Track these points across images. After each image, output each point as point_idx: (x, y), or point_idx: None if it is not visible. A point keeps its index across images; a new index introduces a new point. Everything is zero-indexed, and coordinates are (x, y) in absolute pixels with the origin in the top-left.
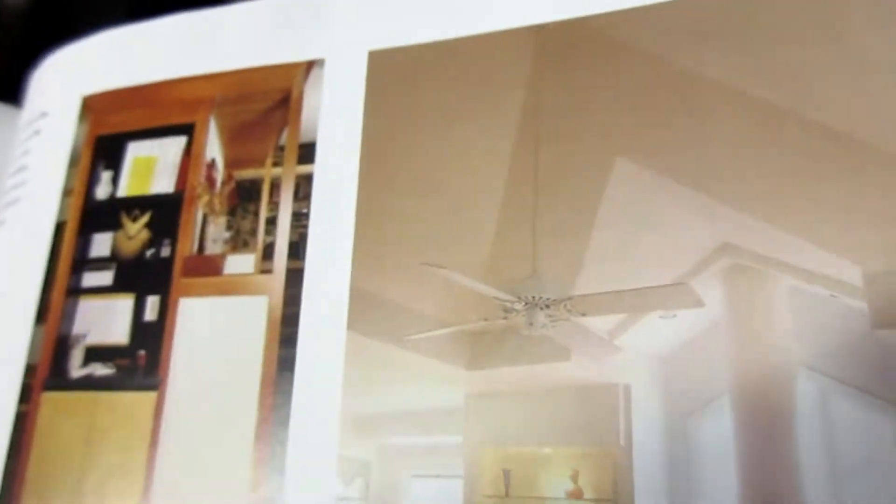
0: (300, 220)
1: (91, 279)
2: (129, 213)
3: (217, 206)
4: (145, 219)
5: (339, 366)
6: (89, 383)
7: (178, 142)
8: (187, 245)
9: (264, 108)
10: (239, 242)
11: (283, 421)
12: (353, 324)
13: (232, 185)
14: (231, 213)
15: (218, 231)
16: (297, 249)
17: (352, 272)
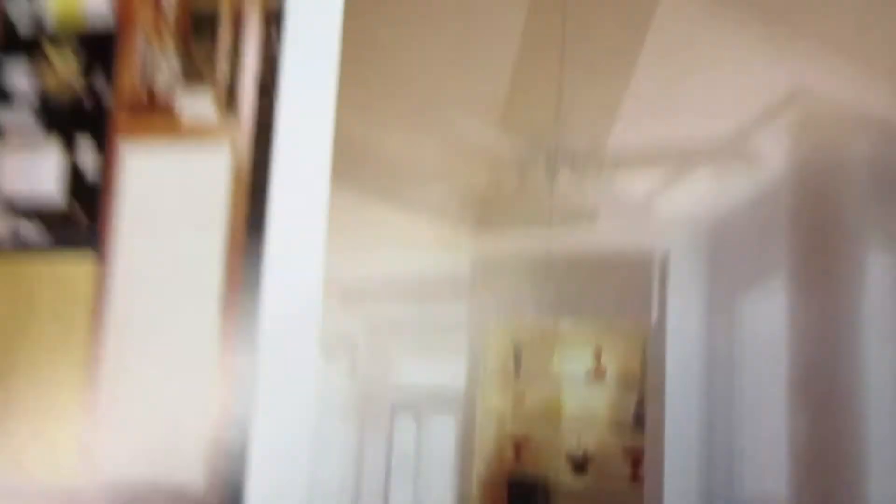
0: (271, 48)
1: (7, 117)
2: (54, 42)
3: (165, 34)
4: (72, 48)
5: (321, 224)
6: (16, 245)
7: None
8: (129, 77)
9: None
10: (193, 78)
11: (254, 290)
12: (338, 176)
13: (183, 10)
14: (182, 44)
15: (166, 64)
16: (268, 87)
17: (336, 115)
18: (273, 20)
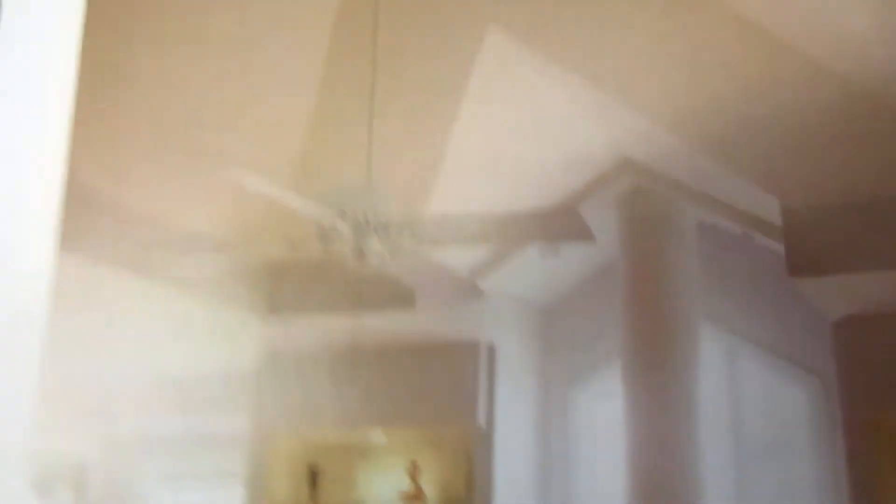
0: None
1: None
2: None
3: None
4: None
5: (41, 310)
6: None
7: None
8: None
9: None
10: None
11: None
12: (70, 241)
13: None
14: None
15: None
16: None
17: (69, 160)
18: None
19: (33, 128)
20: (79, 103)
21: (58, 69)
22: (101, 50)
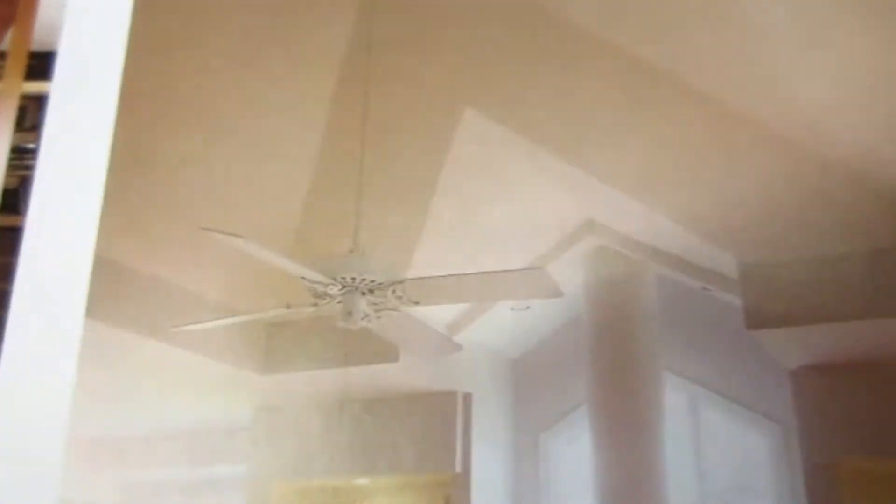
0: (23, 157)
1: None
2: None
3: None
4: None
5: (70, 368)
6: None
7: None
8: None
9: None
10: None
11: None
12: (95, 309)
13: None
14: None
15: None
16: (14, 199)
17: (98, 236)
18: (31, 104)
19: (71, 203)
20: (107, 185)
21: (94, 154)
22: (125, 134)
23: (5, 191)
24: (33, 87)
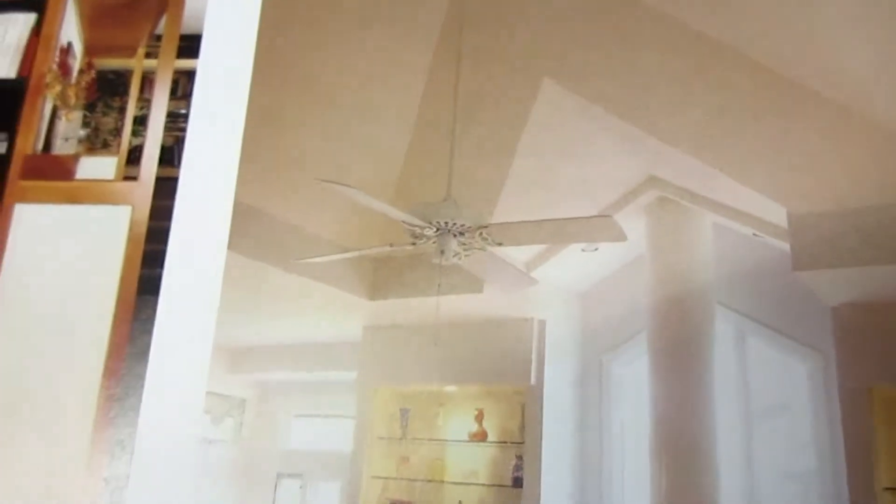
0: (176, 121)
1: None
2: None
3: (72, 99)
4: None
5: (216, 290)
6: None
7: (25, 19)
8: (29, 141)
9: None
10: (97, 142)
11: (142, 352)
12: (234, 243)
13: (92, 74)
14: (89, 108)
15: (71, 128)
16: (171, 155)
17: (236, 185)
18: (182, 78)
19: (215, 158)
20: (243, 143)
21: (232, 118)
22: (257, 100)
23: (163, 148)
24: (184, 63)
